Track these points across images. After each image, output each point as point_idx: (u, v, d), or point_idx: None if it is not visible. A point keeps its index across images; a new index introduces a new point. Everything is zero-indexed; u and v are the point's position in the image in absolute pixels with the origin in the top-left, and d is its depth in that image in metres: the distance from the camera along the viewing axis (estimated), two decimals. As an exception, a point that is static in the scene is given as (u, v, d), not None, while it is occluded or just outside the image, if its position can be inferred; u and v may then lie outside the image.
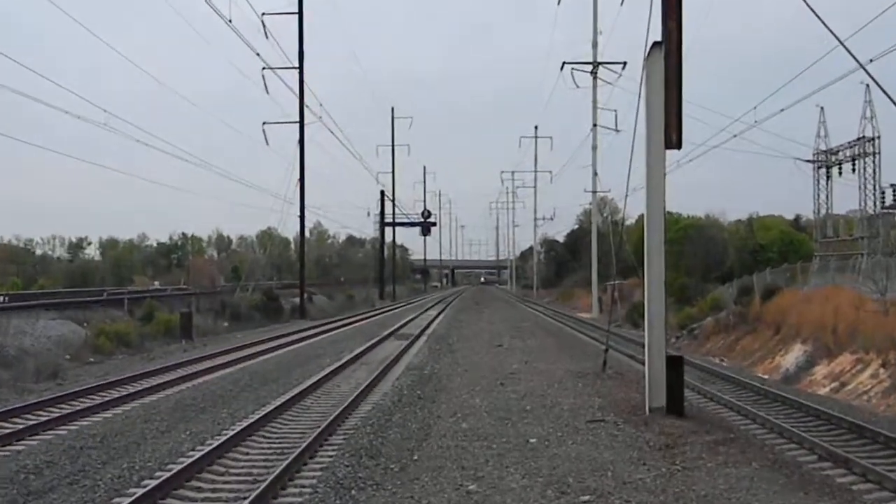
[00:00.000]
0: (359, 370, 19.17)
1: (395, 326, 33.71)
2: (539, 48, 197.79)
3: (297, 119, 45.06)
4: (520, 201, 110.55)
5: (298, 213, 45.66)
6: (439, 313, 46.39)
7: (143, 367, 20.24)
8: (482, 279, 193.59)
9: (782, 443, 11.66)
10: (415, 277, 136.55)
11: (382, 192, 76.38)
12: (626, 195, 16.24)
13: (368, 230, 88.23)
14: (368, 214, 79.51)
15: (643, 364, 13.74)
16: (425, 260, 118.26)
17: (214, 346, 26.61)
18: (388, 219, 79.10)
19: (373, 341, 26.19)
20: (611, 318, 21.13)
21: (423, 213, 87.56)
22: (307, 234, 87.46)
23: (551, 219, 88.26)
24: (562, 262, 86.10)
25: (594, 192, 50.88)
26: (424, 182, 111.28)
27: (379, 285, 76.96)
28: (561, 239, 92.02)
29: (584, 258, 67.44)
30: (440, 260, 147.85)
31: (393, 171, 79.92)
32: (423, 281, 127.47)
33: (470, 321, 38.38)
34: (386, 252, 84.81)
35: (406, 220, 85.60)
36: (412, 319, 39.71)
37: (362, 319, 41.37)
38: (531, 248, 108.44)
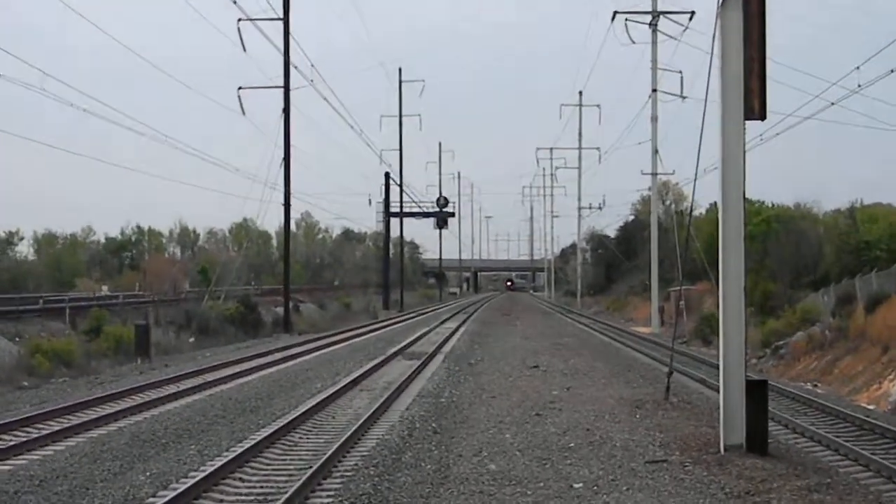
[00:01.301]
0: (359, 397, 19.28)
1: (404, 343, 33.85)
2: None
3: (282, 83, 45.32)
4: (560, 186, 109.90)
5: (282, 201, 45.97)
6: (459, 326, 46.51)
7: (90, 392, 20.44)
8: (508, 282, 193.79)
9: (892, 489, 11.64)
10: (428, 282, 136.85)
11: (387, 175, 76.57)
12: (696, 178, 16.23)
13: (370, 222, 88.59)
14: (370, 202, 79.43)
15: (716, 391, 13.73)
16: (441, 260, 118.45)
17: (178, 366, 26.81)
18: (395, 208, 79.33)
19: (376, 361, 26.34)
20: (675, 333, 21.15)
21: (438, 201, 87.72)
22: (293, 227, 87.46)
23: (600, 208, 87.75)
24: (613, 262, 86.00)
25: (654, 174, 50.77)
26: (440, 162, 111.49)
27: (383, 291, 77.23)
28: (612, 234, 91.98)
29: (642, 258, 67.40)
30: (460, 260, 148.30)
31: (401, 148, 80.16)
32: (437, 286, 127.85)
33: (498, 336, 38.45)
34: (392, 250, 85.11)
35: (417, 210, 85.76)
36: (425, 334, 39.84)
37: (362, 334, 41.55)
38: (574, 246, 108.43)
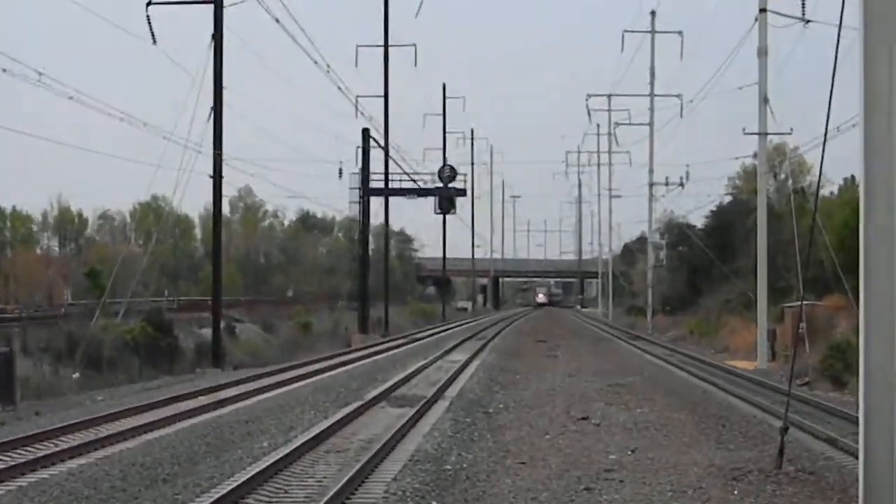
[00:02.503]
0: (323, 462, 19.29)
1: (391, 383, 33.86)
2: None
3: (210, -4, 45.39)
4: (622, 151, 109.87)
5: (211, 172, 45.92)
6: (471, 358, 46.47)
7: (-73, 453, 20.44)
8: (539, 295, 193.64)
9: None
10: (425, 291, 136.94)
11: (366, 133, 76.45)
12: (825, 140, 16.19)
13: (340, 203, 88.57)
14: (340, 174, 79.16)
15: (854, 455, 13.71)
16: (445, 260, 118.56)
17: (56, 415, 26.81)
18: (377, 182, 79.24)
19: (349, 409, 26.35)
20: (793, 371, 21.11)
21: (441, 173, 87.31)
22: (226, 210, 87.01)
23: (681, 185, 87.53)
24: (700, 265, 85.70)
25: (762, 133, 50.65)
26: (444, 114, 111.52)
27: (359, 306, 77.15)
28: (699, 222, 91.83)
29: (743, 258, 67.21)
30: (472, 260, 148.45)
31: (386, 93, 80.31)
32: (440, 298, 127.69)
33: (529, 374, 38.44)
34: (372, 244, 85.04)
35: (410, 186, 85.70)
36: (421, 369, 39.86)
37: (329, 369, 41.54)
38: (642, 240, 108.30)
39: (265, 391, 32.48)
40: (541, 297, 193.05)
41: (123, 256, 57.16)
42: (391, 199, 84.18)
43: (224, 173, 46.29)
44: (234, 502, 15.51)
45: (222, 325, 47.90)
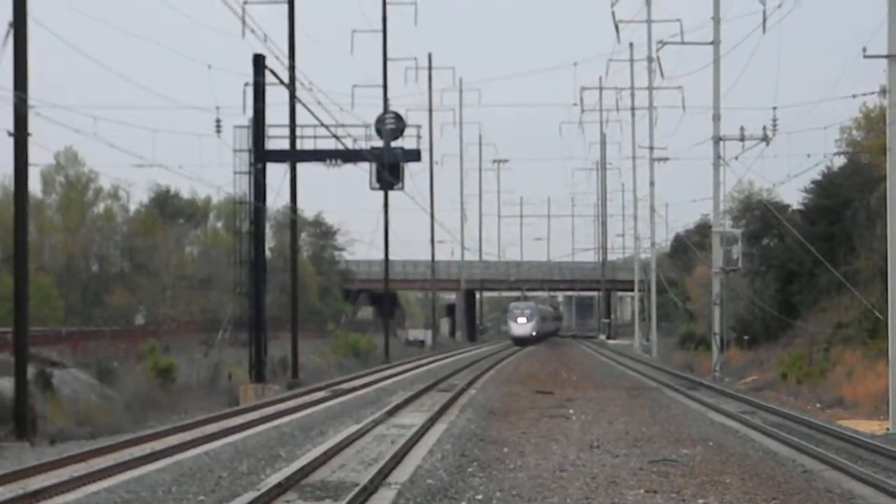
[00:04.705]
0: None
1: (302, 462, 33.80)
2: None
3: None
4: (669, 87, 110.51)
5: (10, 127, 45.76)
6: (431, 421, 46.48)
7: None
8: (517, 321, 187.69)
9: None
10: (357, 316, 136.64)
11: (260, 61, 76.29)
12: None
13: (219, 176, 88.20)
14: (218, 129, 79.08)
15: None
16: (388, 264, 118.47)
17: None
18: (279, 141, 79.08)
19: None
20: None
21: (379, 124, 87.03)
22: (36, 187, 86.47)
23: (765, 140, 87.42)
24: (798, 268, 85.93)
25: None
26: (385, 32, 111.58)
27: (251, 340, 76.82)
28: (794, 200, 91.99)
29: (864, 256, 67.13)
30: (433, 264, 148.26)
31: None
32: (380, 324, 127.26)
33: (524, 444, 38.52)
34: (272, 241, 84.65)
35: (331, 147, 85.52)
36: (351, 440, 39.88)
37: (202, 440, 41.34)
38: (705, 229, 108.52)
39: (101, 478, 32.35)
40: (519, 325, 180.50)
41: None
42: (301, 166, 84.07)
43: (33, 129, 46.23)
44: None
45: (31, 372, 47.74)
